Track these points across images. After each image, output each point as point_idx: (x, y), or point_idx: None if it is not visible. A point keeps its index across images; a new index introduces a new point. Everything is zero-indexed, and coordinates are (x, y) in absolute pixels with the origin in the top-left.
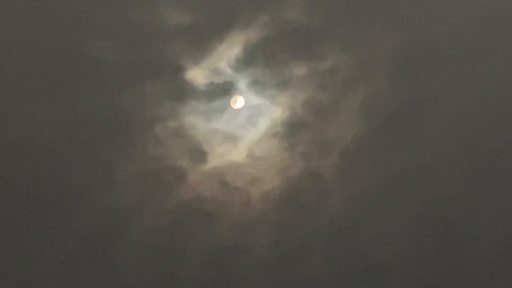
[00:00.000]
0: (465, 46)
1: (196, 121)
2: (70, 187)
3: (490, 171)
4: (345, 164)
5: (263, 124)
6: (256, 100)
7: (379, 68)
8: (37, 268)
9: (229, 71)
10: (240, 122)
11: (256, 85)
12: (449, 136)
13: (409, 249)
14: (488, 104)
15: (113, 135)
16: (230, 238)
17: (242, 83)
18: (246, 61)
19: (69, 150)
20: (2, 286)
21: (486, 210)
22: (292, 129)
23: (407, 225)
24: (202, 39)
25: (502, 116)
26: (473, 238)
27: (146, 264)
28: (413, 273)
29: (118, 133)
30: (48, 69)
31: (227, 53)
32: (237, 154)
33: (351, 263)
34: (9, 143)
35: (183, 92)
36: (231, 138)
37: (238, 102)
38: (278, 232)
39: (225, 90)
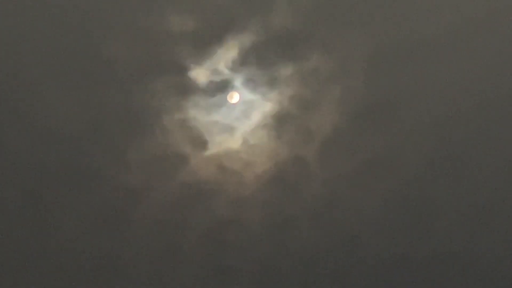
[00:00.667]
0: (430, 47)
1: (198, 113)
2: (89, 169)
3: (452, 157)
4: (325, 150)
5: (256, 117)
6: (250, 96)
7: (355, 67)
8: (58, 237)
9: (226, 71)
10: (236, 115)
11: (249, 83)
12: (416, 126)
13: (381, 223)
14: (452, 98)
15: (127, 125)
16: (227, 213)
17: (237, 81)
18: (241, 62)
19: (88, 137)
20: (28, 251)
21: (448, 188)
22: (280, 121)
23: (379, 202)
24: (204, 44)
25: (464, 109)
26: (437, 213)
27: (153, 236)
28: (385, 243)
29: (131, 123)
30: (71, 67)
31: (224, 56)
32: (233, 142)
33: (331, 235)
34: (38, 130)
35: (187, 88)
36: (228, 129)
37: (234, 97)
38: (268, 208)
39: (223, 87)
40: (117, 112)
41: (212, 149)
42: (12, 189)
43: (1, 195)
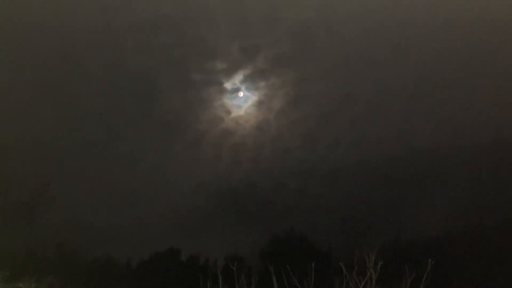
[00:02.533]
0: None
1: (228, 100)
2: (179, 120)
3: None
4: (277, 115)
5: (250, 102)
6: (247, 94)
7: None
8: None
9: (238, 84)
10: (242, 101)
11: (247, 89)
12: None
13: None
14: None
15: (204, 105)
16: (239, 137)
17: (243, 88)
18: (244, 81)
19: (189, 111)
20: None
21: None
22: (259, 104)
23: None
24: (231, 78)
25: None
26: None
27: (216, 146)
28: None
29: (205, 106)
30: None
31: (237, 78)
32: (241, 111)
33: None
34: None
35: (224, 91)
36: (239, 106)
37: (241, 94)
38: (254, 135)
39: (237, 90)
40: (201, 101)
41: (233, 114)
42: None
43: None
